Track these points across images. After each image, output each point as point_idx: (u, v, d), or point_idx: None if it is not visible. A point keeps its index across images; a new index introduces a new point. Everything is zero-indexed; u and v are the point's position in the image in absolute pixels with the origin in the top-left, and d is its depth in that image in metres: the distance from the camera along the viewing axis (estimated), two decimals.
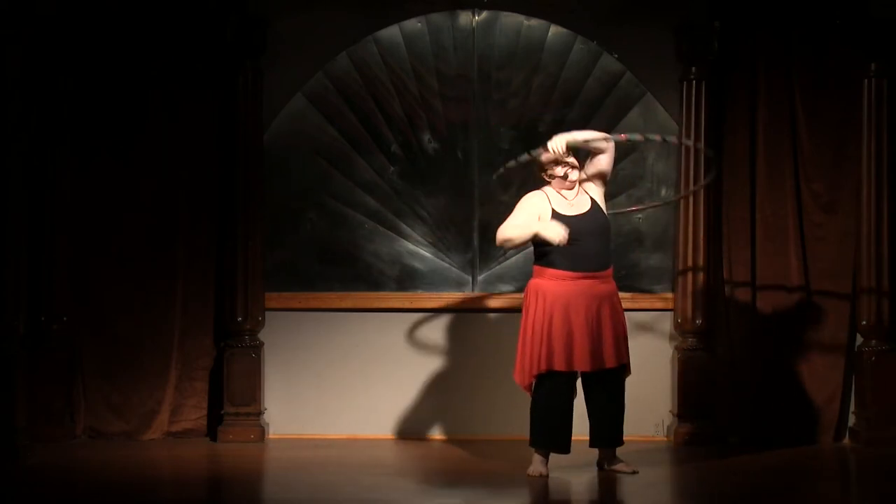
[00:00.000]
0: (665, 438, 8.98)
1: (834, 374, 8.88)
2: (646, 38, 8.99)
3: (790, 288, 8.88)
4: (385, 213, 9.09)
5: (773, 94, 8.91)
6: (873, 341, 8.79)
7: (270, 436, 8.96)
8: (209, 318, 8.99)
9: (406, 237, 9.12)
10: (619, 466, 7.86)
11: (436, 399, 9.02)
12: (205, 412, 9.00)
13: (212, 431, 8.94)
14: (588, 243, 7.74)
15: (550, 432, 7.75)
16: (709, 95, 8.86)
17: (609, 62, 9.04)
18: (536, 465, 7.79)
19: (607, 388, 7.78)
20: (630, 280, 8.96)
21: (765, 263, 8.92)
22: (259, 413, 8.90)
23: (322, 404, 9.04)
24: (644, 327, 8.94)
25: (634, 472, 7.82)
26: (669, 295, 8.99)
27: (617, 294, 7.86)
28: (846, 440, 8.88)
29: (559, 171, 7.81)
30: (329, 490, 7.48)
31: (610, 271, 7.84)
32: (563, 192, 7.84)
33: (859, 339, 8.88)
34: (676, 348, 8.94)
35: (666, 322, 9.01)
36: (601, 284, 7.77)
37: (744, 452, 8.54)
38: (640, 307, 8.91)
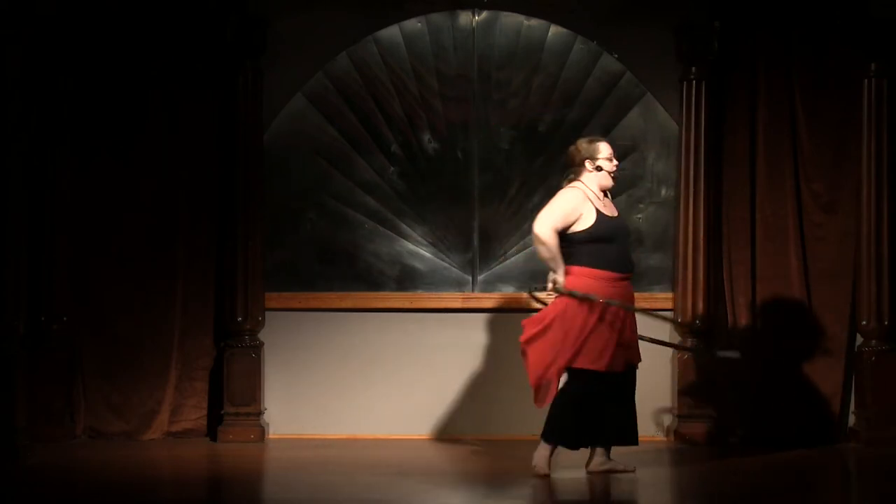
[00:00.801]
0: (665, 438, 8.98)
1: (834, 374, 8.88)
2: (646, 38, 8.99)
3: (790, 288, 8.88)
4: (385, 213, 9.09)
5: (773, 94, 8.91)
6: (873, 341, 8.79)
7: (270, 436, 8.96)
8: (209, 318, 8.99)
9: (406, 237, 9.11)
10: (615, 466, 7.82)
11: (435, 399, 9.01)
12: (205, 412, 9.00)
13: (212, 431, 8.94)
14: (624, 245, 7.72)
15: (571, 429, 7.64)
16: (709, 95, 8.87)
17: (609, 62, 9.04)
18: (542, 463, 7.71)
19: (629, 386, 7.75)
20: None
21: (765, 263, 8.92)
22: (259, 413, 8.90)
23: (322, 404, 9.04)
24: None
25: (628, 471, 7.80)
26: (669, 295, 8.99)
27: None
28: (846, 440, 8.87)
29: (611, 166, 7.77)
30: (329, 490, 7.48)
31: None
32: (598, 192, 7.75)
33: (859, 339, 8.88)
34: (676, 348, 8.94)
35: (666, 322, 9.00)
36: (630, 285, 7.78)
37: (744, 452, 8.54)
38: (640, 307, 8.90)
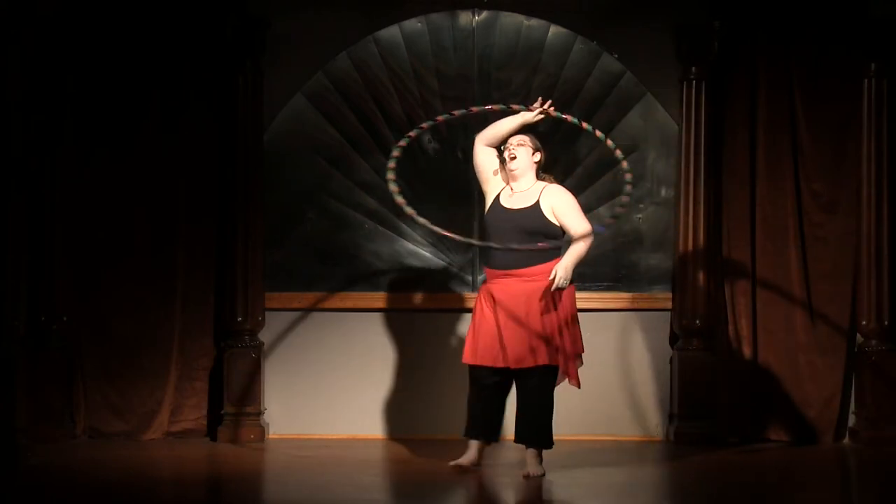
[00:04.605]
0: (665, 438, 8.98)
1: (834, 374, 8.88)
2: (646, 38, 8.99)
3: (790, 288, 8.88)
4: (385, 213, 9.09)
5: (773, 94, 8.91)
6: (873, 341, 8.80)
7: (270, 436, 8.96)
8: (209, 318, 8.99)
9: (406, 237, 9.12)
10: (527, 470, 7.76)
11: (435, 399, 9.01)
12: (205, 412, 9.00)
13: (212, 431, 8.95)
14: (510, 241, 7.69)
15: (470, 420, 7.86)
16: (709, 95, 8.87)
17: (609, 62, 9.04)
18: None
19: (526, 386, 7.75)
20: (630, 280, 8.96)
21: (765, 263, 8.92)
22: (259, 413, 8.90)
23: (322, 404, 9.04)
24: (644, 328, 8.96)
25: (542, 475, 7.71)
26: (669, 295, 8.98)
27: (554, 294, 7.66)
28: (846, 440, 8.88)
29: (505, 153, 7.88)
30: (329, 490, 7.48)
31: (536, 269, 7.67)
32: (512, 182, 7.85)
33: (859, 339, 8.88)
34: (676, 348, 8.94)
35: (666, 322, 9.00)
36: (523, 283, 7.69)
37: (744, 452, 8.54)
38: (640, 307, 8.92)
